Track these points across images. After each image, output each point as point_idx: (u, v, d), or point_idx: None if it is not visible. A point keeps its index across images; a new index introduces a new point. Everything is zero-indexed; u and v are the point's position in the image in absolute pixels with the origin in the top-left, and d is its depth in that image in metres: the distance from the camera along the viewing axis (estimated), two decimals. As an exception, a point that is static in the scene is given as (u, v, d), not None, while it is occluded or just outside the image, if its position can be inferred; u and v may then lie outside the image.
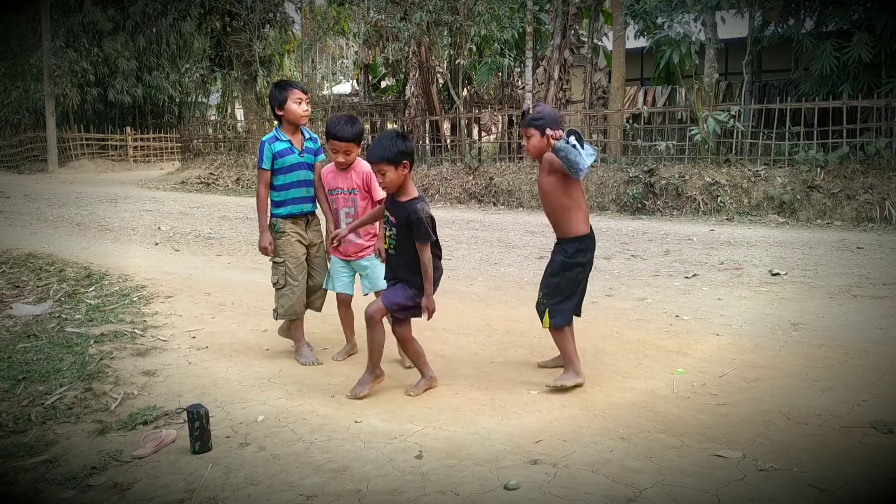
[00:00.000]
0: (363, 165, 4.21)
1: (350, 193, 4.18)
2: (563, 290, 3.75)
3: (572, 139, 3.52)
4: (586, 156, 3.55)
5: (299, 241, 4.22)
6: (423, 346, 3.78)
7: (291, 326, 4.31)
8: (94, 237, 9.60)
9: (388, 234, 3.64)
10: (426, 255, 3.49)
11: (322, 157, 4.47)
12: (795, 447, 2.95)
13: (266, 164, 4.17)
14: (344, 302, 4.35)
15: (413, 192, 3.58)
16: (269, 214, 4.25)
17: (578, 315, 3.95)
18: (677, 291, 6.02)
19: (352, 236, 4.14)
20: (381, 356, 3.67)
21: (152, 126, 27.98)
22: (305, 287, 4.25)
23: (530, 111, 3.52)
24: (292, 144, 4.21)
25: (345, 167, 4.16)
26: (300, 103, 4.17)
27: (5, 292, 6.14)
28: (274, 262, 4.22)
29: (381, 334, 3.64)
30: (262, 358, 4.27)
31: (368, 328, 3.61)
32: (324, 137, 4.31)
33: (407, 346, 3.75)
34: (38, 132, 25.40)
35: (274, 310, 4.26)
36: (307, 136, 4.29)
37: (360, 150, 4.24)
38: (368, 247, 4.23)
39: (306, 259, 4.27)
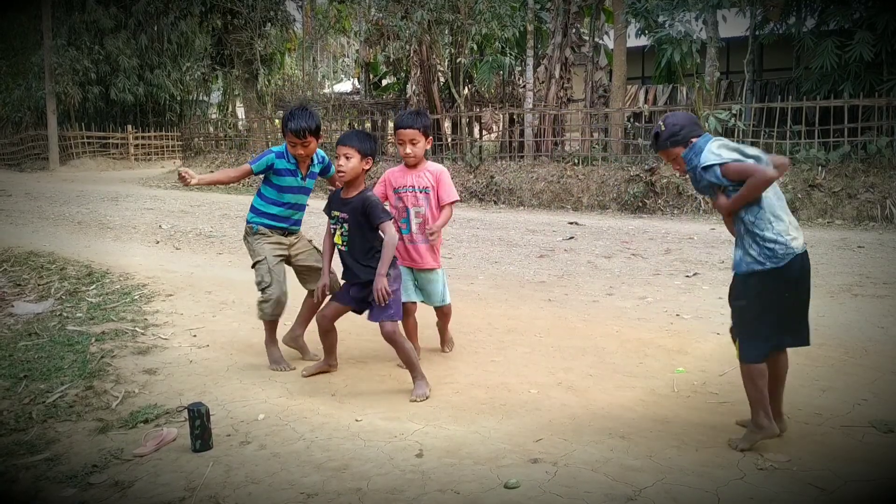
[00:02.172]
0: (434, 165, 4.22)
1: (422, 192, 4.07)
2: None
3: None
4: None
5: (273, 244, 4.13)
6: (423, 344, 3.79)
7: (266, 329, 4.17)
8: (96, 235, 9.60)
9: (339, 232, 3.71)
10: (391, 231, 3.59)
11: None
12: (795, 446, 2.96)
13: (255, 168, 4.06)
14: (409, 311, 4.09)
15: (362, 186, 3.71)
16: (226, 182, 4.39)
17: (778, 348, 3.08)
18: (678, 290, 6.02)
19: (422, 244, 4.06)
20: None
21: (153, 124, 27.93)
22: (285, 287, 4.12)
23: (662, 129, 3.02)
24: (298, 168, 4.09)
25: (414, 162, 4.11)
26: (295, 146, 3.99)
27: (7, 291, 6.15)
28: (256, 264, 4.12)
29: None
30: (263, 356, 4.25)
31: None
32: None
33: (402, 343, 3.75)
34: (40, 130, 25.37)
35: (260, 308, 4.15)
36: (316, 160, 4.17)
37: (429, 143, 4.20)
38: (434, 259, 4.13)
39: (297, 270, 4.23)
